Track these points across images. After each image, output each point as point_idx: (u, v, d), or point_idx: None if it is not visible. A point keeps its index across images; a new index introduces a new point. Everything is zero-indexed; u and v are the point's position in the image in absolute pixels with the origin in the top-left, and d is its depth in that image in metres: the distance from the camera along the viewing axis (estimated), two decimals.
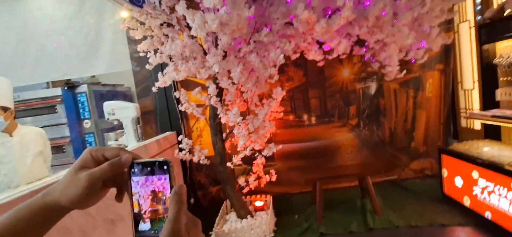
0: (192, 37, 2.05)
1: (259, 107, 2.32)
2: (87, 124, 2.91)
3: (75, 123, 2.91)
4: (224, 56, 1.99)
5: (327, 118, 3.37)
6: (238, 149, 2.33)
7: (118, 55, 2.75)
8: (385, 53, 2.27)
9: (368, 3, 2.11)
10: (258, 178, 2.59)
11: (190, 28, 2.12)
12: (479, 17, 2.77)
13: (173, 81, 2.60)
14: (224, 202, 2.73)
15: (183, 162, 2.90)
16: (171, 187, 0.42)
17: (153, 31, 2.11)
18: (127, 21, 2.06)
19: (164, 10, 2.03)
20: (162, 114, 2.87)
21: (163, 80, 2.19)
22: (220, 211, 2.63)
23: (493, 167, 2.00)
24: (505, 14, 2.27)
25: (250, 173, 2.59)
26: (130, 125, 2.58)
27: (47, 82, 3.18)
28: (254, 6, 1.77)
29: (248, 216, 2.41)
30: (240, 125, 2.22)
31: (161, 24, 2.12)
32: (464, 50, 3.09)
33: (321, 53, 2.31)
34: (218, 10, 1.70)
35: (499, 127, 2.53)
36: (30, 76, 2.82)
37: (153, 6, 2.03)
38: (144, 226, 0.43)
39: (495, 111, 2.38)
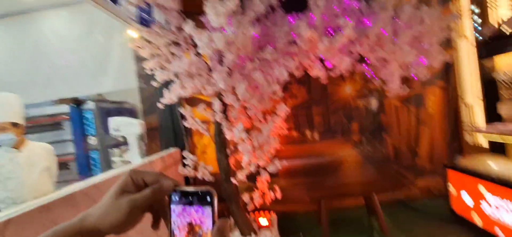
0: (198, 55, 2.11)
1: (263, 124, 2.34)
2: (92, 140, 2.94)
3: (81, 139, 2.94)
4: (229, 73, 2.03)
5: (330, 134, 3.39)
6: (243, 165, 2.33)
7: (125, 73, 2.83)
8: (386, 70, 2.31)
9: (367, 22, 2.18)
10: (263, 194, 2.57)
11: (196, 47, 2.19)
12: (477, 35, 2.83)
13: (179, 98, 2.64)
14: (228, 220, 2.69)
15: (186, 179, 2.89)
16: (213, 221, 0.40)
17: (160, 49, 2.18)
18: (136, 40, 2.13)
19: (171, 29, 2.10)
20: (166, 130, 2.89)
21: (169, 96, 2.23)
22: None
23: (501, 182, 1.98)
24: (504, 31, 2.32)
25: (254, 189, 2.57)
26: (134, 141, 2.60)
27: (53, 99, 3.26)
28: (259, 25, 1.84)
29: (252, 234, 2.38)
30: (244, 141, 2.24)
31: (168, 43, 2.19)
32: (464, 67, 3.13)
33: (324, 70, 2.36)
34: (224, 29, 1.77)
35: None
36: (41, 94, 2.89)
37: (161, 26, 2.10)
38: None
39: (500, 127, 2.38)
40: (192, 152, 2.94)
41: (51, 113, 2.95)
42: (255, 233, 2.40)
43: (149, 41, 2.18)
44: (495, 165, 2.24)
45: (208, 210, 0.40)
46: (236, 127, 2.17)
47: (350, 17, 1.92)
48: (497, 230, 2.04)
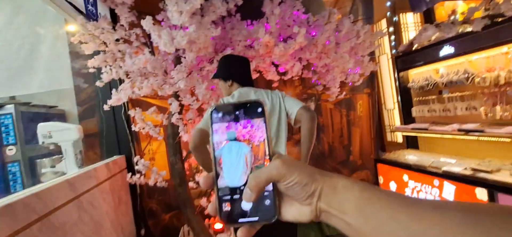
0: (152, 53, 2.01)
1: None
2: (11, 150, 2.43)
3: None
4: (188, 74, 1.99)
5: None
6: (200, 168, 2.29)
7: (57, 72, 2.44)
8: (330, 76, 2.60)
9: (314, 33, 2.43)
10: None
11: (148, 46, 2.09)
12: (394, 51, 3.42)
13: (125, 102, 2.45)
14: (182, 227, 2.58)
15: (132, 188, 2.65)
16: (267, 135, 0.36)
17: (107, 46, 1.99)
18: (78, 35, 1.90)
19: (122, 25, 1.95)
20: (109, 136, 2.62)
21: (118, 97, 2.05)
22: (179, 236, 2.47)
23: (418, 170, 2.43)
24: (413, 48, 2.87)
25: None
26: (71, 149, 2.28)
27: None
28: (217, 28, 1.86)
29: None
30: None
31: (117, 40, 2.02)
32: (385, 77, 3.73)
33: (276, 74, 2.51)
34: (184, 28, 1.73)
35: (416, 138, 3.09)
36: None
37: (109, 21, 1.93)
38: (223, 183, 0.37)
39: (413, 125, 2.91)
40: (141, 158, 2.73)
41: None
42: None
43: (94, 37, 1.97)
44: (413, 157, 2.73)
45: (259, 122, 0.37)
46: (193, 129, 2.12)
47: (300, 27, 2.10)
48: None
